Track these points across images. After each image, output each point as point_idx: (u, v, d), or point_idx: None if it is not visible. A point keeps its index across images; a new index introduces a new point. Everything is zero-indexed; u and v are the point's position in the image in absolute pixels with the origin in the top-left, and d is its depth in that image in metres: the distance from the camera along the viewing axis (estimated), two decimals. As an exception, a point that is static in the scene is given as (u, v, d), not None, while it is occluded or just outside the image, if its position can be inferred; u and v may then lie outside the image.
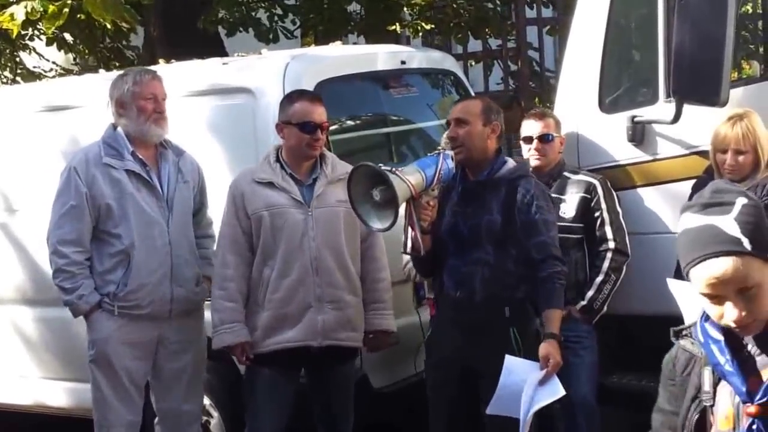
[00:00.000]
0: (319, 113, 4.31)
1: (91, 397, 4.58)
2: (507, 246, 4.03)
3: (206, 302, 4.62)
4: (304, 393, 4.48)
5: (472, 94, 6.40)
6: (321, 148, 4.36)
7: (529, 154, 4.77)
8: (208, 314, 4.59)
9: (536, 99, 8.52)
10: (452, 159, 3.93)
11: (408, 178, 3.80)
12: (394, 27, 8.98)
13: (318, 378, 4.45)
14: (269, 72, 5.32)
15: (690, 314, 3.81)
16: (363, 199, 3.85)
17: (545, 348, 3.85)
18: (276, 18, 9.06)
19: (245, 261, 4.33)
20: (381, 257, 4.48)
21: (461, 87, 6.27)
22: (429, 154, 3.98)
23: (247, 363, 4.36)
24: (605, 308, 4.72)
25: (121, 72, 4.89)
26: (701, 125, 4.50)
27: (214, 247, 4.54)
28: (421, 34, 8.84)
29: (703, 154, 4.57)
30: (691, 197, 4.22)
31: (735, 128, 4.02)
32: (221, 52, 7.48)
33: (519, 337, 3.99)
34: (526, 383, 3.78)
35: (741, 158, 4.04)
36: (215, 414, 5.14)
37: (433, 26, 8.81)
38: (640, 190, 4.81)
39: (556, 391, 3.81)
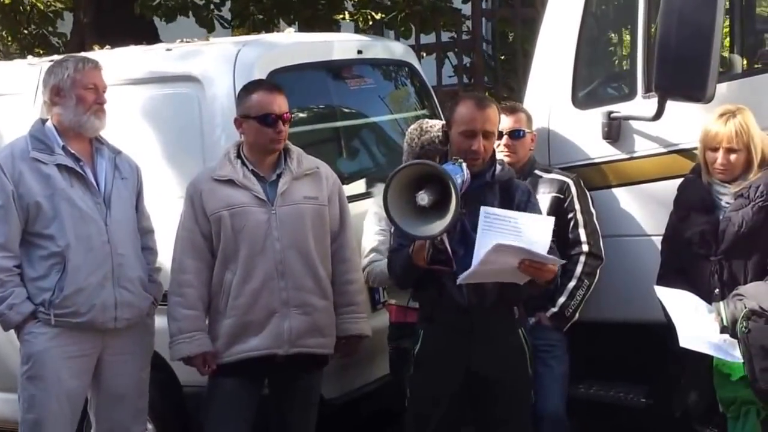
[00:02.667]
0: (280, 104, 4.14)
1: (20, 417, 4.21)
2: None
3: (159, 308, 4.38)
4: (266, 405, 4.29)
5: (429, 87, 6.26)
6: (284, 141, 4.18)
7: (499, 150, 4.59)
8: (158, 321, 4.36)
9: (486, 93, 8.43)
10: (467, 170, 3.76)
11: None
12: (342, 17, 8.81)
13: (282, 389, 4.26)
14: (218, 59, 5.10)
15: (681, 321, 3.69)
16: (400, 204, 3.58)
17: None
18: (212, 6, 8.82)
19: (206, 265, 4.14)
20: (353, 258, 4.32)
21: (418, 79, 6.12)
22: (447, 163, 3.77)
23: (209, 374, 4.17)
24: (577, 315, 4.57)
25: (59, 58, 4.59)
26: (682, 122, 4.39)
27: (156, 247, 4.34)
28: (371, 23, 8.67)
29: (683, 152, 4.46)
30: (677, 199, 4.12)
31: (728, 125, 3.90)
32: (155, 40, 7.20)
33: (527, 338, 3.95)
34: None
35: (733, 157, 3.91)
36: (150, 426, 4.87)
37: (383, 16, 8.64)
38: (614, 191, 4.68)
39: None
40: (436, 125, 4.64)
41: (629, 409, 4.76)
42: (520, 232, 3.65)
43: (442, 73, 8.42)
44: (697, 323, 3.73)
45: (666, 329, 4.20)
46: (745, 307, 3.68)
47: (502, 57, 8.48)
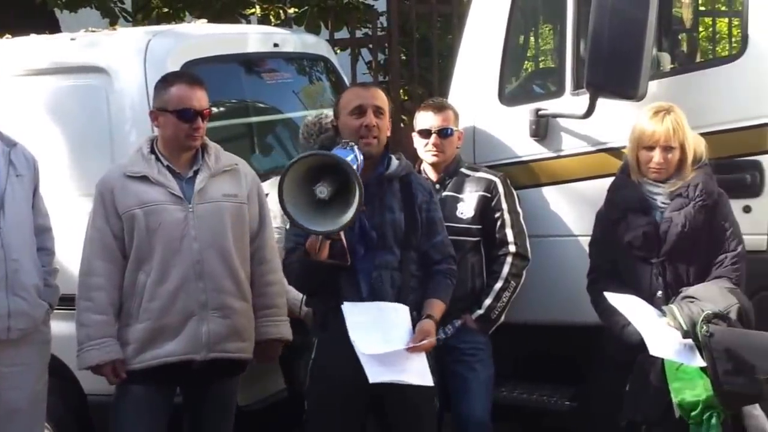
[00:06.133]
0: (199, 98, 3.98)
1: None
2: (410, 246, 3.81)
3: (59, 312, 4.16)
4: (179, 414, 4.10)
5: (346, 82, 6.16)
6: (202, 137, 4.01)
7: (426, 149, 4.51)
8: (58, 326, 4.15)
9: (401, 90, 8.36)
10: (360, 153, 3.61)
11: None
12: (252, 11, 8.64)
13: (197, 397, 4.09)
14: (127, 50, 4.92)
15: (646, 329, 3.65)
16: (297, 199, 3.43)
17: (427, 324, 3.69)
18: (115, -2, 8.59)
19: (117, 268, 3.95)
20: (272, 258, 4.16)
21: (334, 74, 6.02)
22: (338, 147, 3.62)
23: (118, 382, 3.97)
24: (503, 317, 4.51)
25: None
26: (610, 120, 4.37)
27: (53, 247, 4.13)
28: (283, 19, 8.53)
29: (611, 151, 4.43)
30: (611, 200, 4.08)
31: (664, 123, 3.86)
32: (56, 32, 6.92)
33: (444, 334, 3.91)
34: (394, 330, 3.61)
35: (670, 156, 3.88)
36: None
37: (295, 11, 8.50)
38: (542, 190, 4.65)
39: (425, 375, 3.61)
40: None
41: (554, 411, 4.74)
42: (383, 322, 3.62)
43: (357, 69, 8.33)
44: (657, 329, 3.69)
45: (596, 331, 4.19)
46: (703, 310, 3.65)
47: (421, 55, 8.42)
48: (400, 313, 3.69)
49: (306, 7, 8.72)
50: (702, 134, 4.02)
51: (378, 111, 3.78)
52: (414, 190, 3.85)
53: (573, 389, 4.71)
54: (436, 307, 3.79)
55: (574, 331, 4.50)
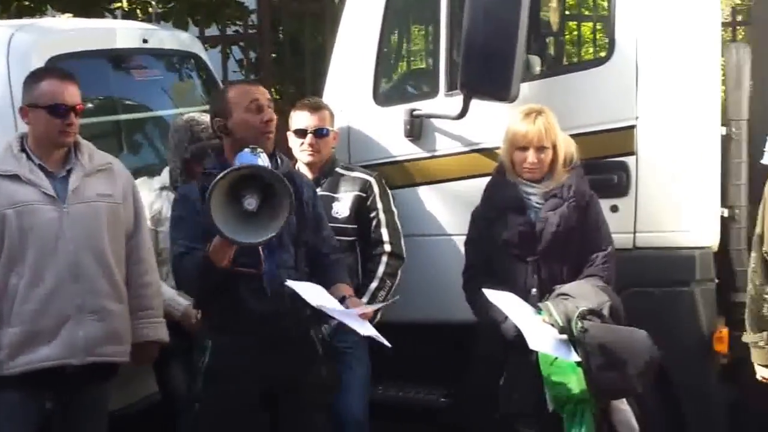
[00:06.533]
0: (71, 94, 3.86)
1: None
2: (301, 243, 3.82)
3: None
4: (51, 419, 3.97)
5: (218, 80, 6.09)
6: (75, 134, 3.89)
7: (302, 149, 4.49)
8: None
9: (273, 89, 8.31)
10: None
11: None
12: (119, 5, 8.43)
13: (70, 402, 3.95)
14: (-12, 44, 4.70)
15: (524, 324, 3.71)
16: (225, 216, 3.39)
17: (354, 299, 3.78)
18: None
19: None
20: (148, 258, 4.09)
21: (205, 72, 5.94)
22: (244, 152, 3.57)
23: None
24: (379, 316, 4.53)
25: None
26: (483, 121, 4.44)
27: None
28: (149, 13, 8.35)
29: (484, 151, 4.50)
30: (487, 200, 4.14)
31: (537, 124, 3.94)
32: None
33: (317, 339, 3.88)
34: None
35: (543, 156, 3.96)
36: None
37: (162, 7, 8.33)
38: (416, 189, 4.69)
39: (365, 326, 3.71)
40: (208, 121, 4.52)
41: (430, 408, 4.78)
42: (324, 294, 3.67)
43: (228, 67, 8.24)
44: (536, 325, 3.76)
45: (470, 329, 4.25)
46: (578, 307, 3.74)
47: (293, 53, 8.39)
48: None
49: (173, 3, 8.56)
50: (572, 136, 4.11)
51: (270, 106, 3.77)
52: (300, 186, 3.84)
53: (449, 386, 4.78)
54: (348, 289, 3.82)
55: (450, 329, 4.56)
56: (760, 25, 5.03)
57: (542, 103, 4.13)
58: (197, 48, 5.98)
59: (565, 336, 3.70)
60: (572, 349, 3.69)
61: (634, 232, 4.42)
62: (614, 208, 4.37)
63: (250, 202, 3.39)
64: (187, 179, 4.31)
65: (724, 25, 6.19)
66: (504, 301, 3.78)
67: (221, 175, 3.40)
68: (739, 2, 8.93)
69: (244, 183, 3.43)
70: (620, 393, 3.80)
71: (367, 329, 3.66)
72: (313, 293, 3.61)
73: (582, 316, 3.69)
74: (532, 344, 3.65)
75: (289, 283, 3.61)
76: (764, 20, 4.80)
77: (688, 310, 4.37)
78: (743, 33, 6.82)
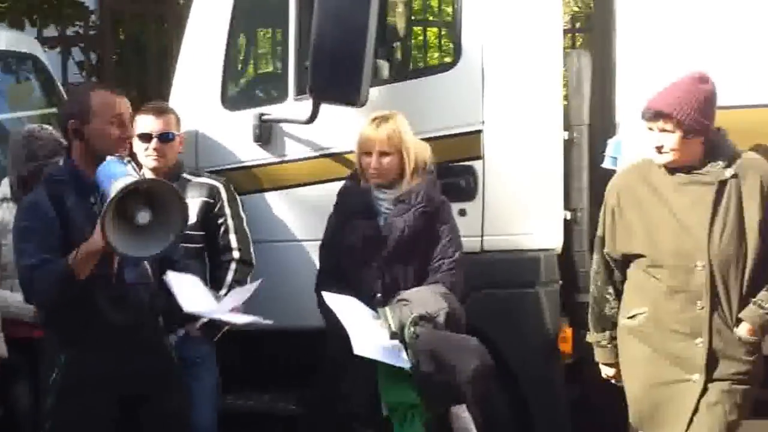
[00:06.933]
0: None
1: None
2: None
3: None
4: None
5: (57, 82, 5.91)
6: None
7: (146, 153, 4.38)
8: None
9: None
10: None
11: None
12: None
13: None
14: None
15: (353, 328, 3.70)
16: (119, 233, 3.31)
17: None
18: None
19: None
20: None
21: (44, 73, 5.75)
22: (111, 160, 3.48)
23: None
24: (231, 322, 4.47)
25: None
26: (333, 126, 4.43)
27: None
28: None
29: (335, 156, 4.50)
30: (337, 204, 4.14)
31: (380, 129, 3.98)
32: None
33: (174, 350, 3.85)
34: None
35: (386, 161, 3.99)
36: None
37: (1, 6, 8.03)
38: (266, 195, 4.64)
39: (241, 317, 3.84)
40: (47, 137, 4.38)
41: (280, 416, 4.75)
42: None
43: (68, 68, 7.99)
44: (367, 329, 3.76)
45: (321, 335, 4.23)
46: (412, 313, 3.76)
47: (135, 55, 8.20)
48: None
49: (8, 2, 8.25)
50: (421, 140, 4.15)
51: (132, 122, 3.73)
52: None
53: (299, 393, 4.75)
54: None
55: (300, 336, 4.53)
56: (599, 32, 5.19)
57: (392, 108, 4.16)
58: (35, 49, 5.78)
59: (395, 341, 3.72)
60: (404, 354, 3.71)
61: (482, 236, 4.50)
62: (462, 212, 4.43)
63: (143, 216, 3.34)
64: (25, 193, 4.14)
65: (565, 32, 6.37)
66: (341, 305, 3.78)
67: (119, 191, 3.30)
68: (578, 10, 9.24)
69: (132, 195, 3.36)
70: (449, 400, 3.82)
71: (244, 318, 3.76)
72: (188, 291, 3.60)
73: (415, 323, 3.72)
74: (357, 349, 3.65)
75: (170, 275, 3.57)
76: (603, 27, 4.96)
77: (534, 311, 4.47)
78: (582, 40, 7.04)
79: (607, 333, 3.97)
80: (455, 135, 4.48)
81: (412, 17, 6.45)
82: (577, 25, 7.06)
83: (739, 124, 3.97)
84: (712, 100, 3.71)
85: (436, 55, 7.01)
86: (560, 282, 4.59)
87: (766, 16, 4.22)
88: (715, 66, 3.91)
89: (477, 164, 4.48)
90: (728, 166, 3.71)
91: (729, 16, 4.24)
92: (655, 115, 3.68)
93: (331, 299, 3.79)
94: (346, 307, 3.79)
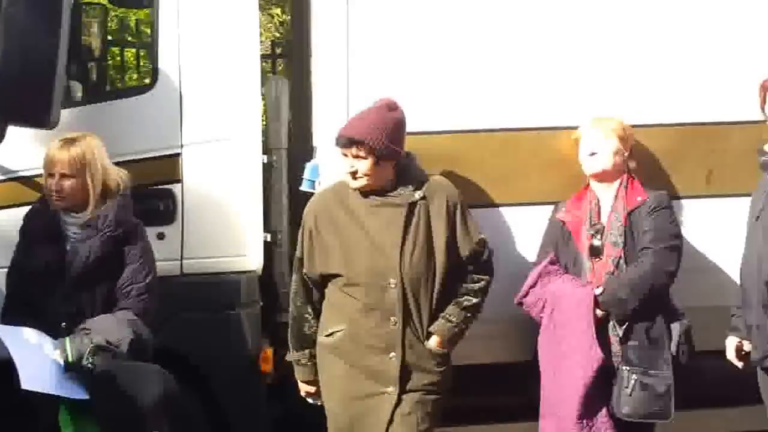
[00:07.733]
0: None
1: None
2: None
3: None
4: None
5: None
6: None
7: None
8: None
9: None
10: None
11: None
12: None
13: None
14: None
15: (23, 360, 3.54)
16: None
17: None
18: None
19: None
20: None
21: None
22: None
23: None
24: None
25: None
26: (22, 148, 4.25)
27: None
28: None
29: (22, 180, 4.31)
30: (22, 228, 3.98)
31: (63, 151, 3.87)
32: None
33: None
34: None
35: (67, 183, 3.87)
36: None
37: None
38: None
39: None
40: None
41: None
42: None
43: None
44: (41, 361, 3.61)
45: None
46: (92, 342, 3.66)
47: None
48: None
49: None
50: (118, 163, 4.07)
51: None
52: None
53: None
54: None
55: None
56: (297, 59, 5.31)
57: (88, 129, 4.06)
58: None
59: (70, 373, 3.63)
60: (81, 386, 3.63)
61: (182, 259, 4.48)
62: (161, 236, 4.39)
63: None
64: None
65: (265, 57, 6.45)
66: (12, 337, 3.62)
67: None
68: (280, 36, 9.38)
69: None
70: (131, 430, 3.70)
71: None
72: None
73: (93, 353, 3.64)
74: (25, 383, 3.50)
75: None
76: (299, 54, 5.08)
77: (235, 333, 4.49)
78: (282, 66, 7.17)
79: (307, 351, 4.06)
80: (154, 158, 4.44)
81: (109, 37, 6.29)
82: (278, 51, 7.18)
83: (430, 149, 4.21)
84: (401, 126, 3.91)
85: (135, 76, 6.87)
86: (261, 303, 4.65)
87: (457, 44, 4.45)
88: (406, 94, 4.12)
89: (176, 187, 4.46)
90: (417, 189, 3.92)
91: (421, 44, 4.44)
92: (348, 142, 3.84)
93: (3, 331, 3.62)
94: (17, 339, 3.62)
